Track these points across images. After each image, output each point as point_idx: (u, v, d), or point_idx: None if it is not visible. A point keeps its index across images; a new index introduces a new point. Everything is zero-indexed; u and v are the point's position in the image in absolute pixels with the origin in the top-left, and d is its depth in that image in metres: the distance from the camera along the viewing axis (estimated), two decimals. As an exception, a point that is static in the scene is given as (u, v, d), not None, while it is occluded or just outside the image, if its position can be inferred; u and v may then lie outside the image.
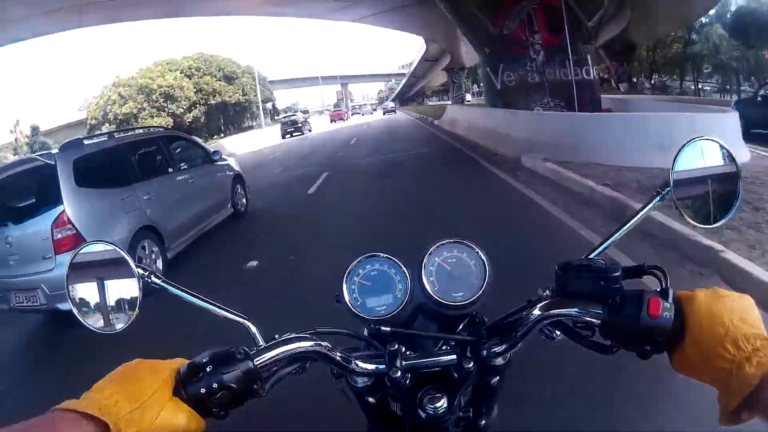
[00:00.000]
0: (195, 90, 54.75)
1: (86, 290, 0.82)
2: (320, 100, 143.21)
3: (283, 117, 51.62)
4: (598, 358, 0.78)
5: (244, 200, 9.31)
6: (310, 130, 43.59)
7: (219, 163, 8.44)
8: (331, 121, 62.65)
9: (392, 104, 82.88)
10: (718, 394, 0.60)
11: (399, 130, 28.17)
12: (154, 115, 51.11)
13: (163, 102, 52.48)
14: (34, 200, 5.25)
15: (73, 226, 4.80)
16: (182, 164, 7.38)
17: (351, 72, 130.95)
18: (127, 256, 0.80)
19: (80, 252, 0.83)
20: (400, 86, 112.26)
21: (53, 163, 5.03)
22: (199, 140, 8.88)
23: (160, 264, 5.92)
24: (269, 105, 77.82)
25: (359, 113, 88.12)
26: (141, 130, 7.06)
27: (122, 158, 6.05)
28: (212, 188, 7.99)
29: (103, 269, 0.81)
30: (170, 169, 6.97)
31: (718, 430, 0.62)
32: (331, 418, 2.64)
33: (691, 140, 0.84)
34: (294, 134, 40.83)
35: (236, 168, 9.25)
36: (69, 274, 0.82)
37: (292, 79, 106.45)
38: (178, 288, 0.82)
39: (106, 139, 6.21)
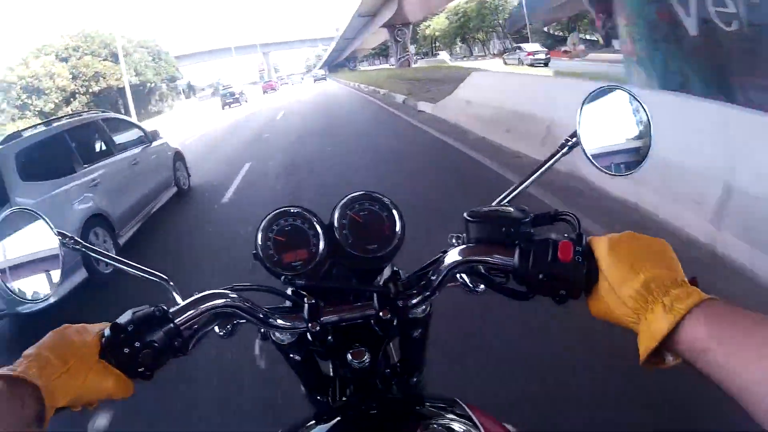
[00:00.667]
0: (71, 76, 46.43)
1: (10, 260, 0.81)
2: (241, 73, 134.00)
3: (223, 89, 55.71)
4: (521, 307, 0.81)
5: (186, 177, 9.25)
6: (246, 101, 46.33)
7: (158, 142, 8.30)
8: (264, 92, 62.65)
9: (322, 71, 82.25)
10: (638, 337, 0.59)
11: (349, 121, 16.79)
12: (15, 118, 41.96)
13: (26, 98, 43.90)
14: None
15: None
16: (123, 146, 7.22)
17: (272, 39, 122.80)
18: (45, 219, 0.81)
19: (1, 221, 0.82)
20: (329, 51, 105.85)
21: (-7, 159, 4.85)
22: (136, 120, 8.61)
23: (113, 252, 5.80)
24: (181, 83, 71.73)
25: (287, 83, 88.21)
26: (79, 116, 6.83)
27: (64, 146, 5.85)
28: (155, 168, 7.88)
29: (25, 236, 0.82)
30: (112, 153, 6.81)
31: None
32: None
33: (597, 89, 0.83)
34: (232, 105, 43.78)
35: (174, 146, 9.13)
36: None
37: (205, 51, 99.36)
38: (97, 251, 0.85)
39: (45, 128, 6.01)
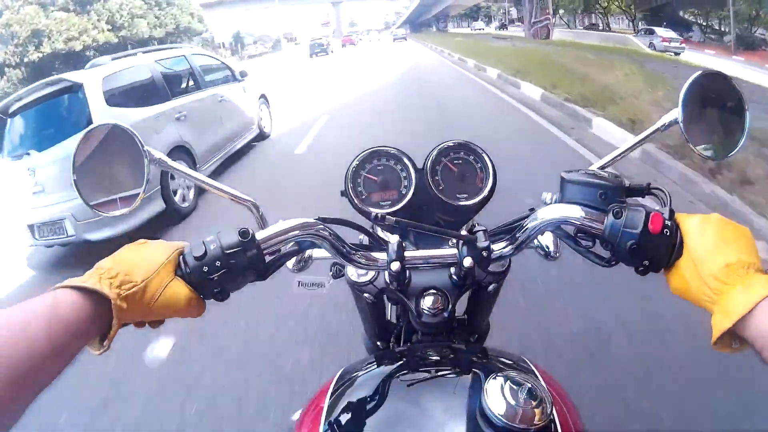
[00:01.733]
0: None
1: (95, 176, 0.81)
2: (298, 24, 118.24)
3: (311, 41, 57.96)
4: (591, 278, 0.85)
5: (269, 121, 9.15)
6: (332, 51, 50.90)
7: (245, 81, 8.17)
8: (342, 46, 65.29)
9: (402, 30, 79.55)
10: (712, 317, 0.60)
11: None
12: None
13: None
14: (60, 124, 4.90)
15: (105, 147, 4.61)
16: (210, 82, 7.14)
17: None
18: (135, 134, 0.78)
19: (87, 136, 0.80)
20: (411, 7, 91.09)
21: (81, 82, 4.82)
22: (223, 59, 8.54)
23: (192, 187, 5.78)
24: (206, 35, 57.78)
25: (361, 39, 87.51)
26: (168, 49, 6.78)
27: (151, 76, 5.80)
28: (239, 108, 7.78)
29: (110, 150, 0.80)
30: (199, 88, 6.74)
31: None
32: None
33: (700, 72, 0.82)
34: (319, 54, 48.21)
35: (261, 88, 9.00)
36: (76, 155, 0.80)
37: None
38: (186, 168, 0.83)
39: (134, 56, 5.97)
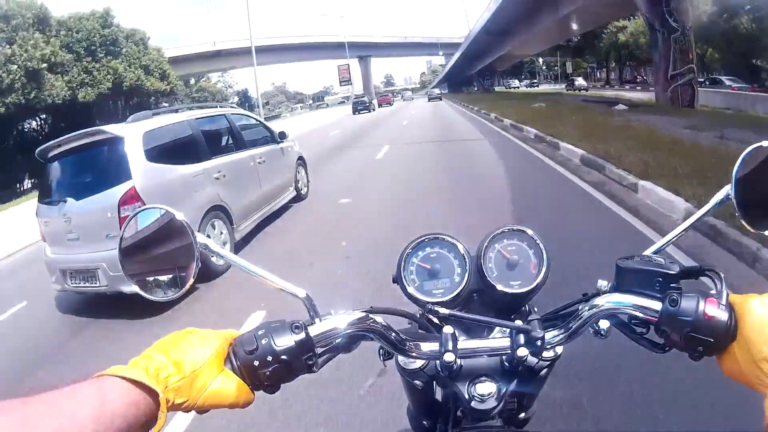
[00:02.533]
0: None
1: (140, 256, 0.79)
2: (322, 79, 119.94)
3: (355, 98, 58.77)
4: (639, 361, 1.04)
5: (306, 182, 9.02)
6: (375, 109, 51.90)
7: (284, 143, 8.11)
8: (379, 105, 62.10)
9: (437, 90, 73.17)
10: (765, 400, 0.57)
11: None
12: None
13: None
14: (98, 175, 4.89)
15: (142, 202, 4.43)
16: (250, 143, 7.06)
17: (372, 38, 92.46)
18: (185, 221, 0.77)
19: (136, 215, 0.79)
20: (452, 61, 77.22)
21: (122, 135, 4.71)
22: (262, 119, 8.54)
23: (228, 245, 5.60)
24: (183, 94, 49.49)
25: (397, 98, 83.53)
26: (209, 107, 6.78)
27: (192, 134, 5.71)
28: (278, 169, 7.67)
29: (158, 235, 0.78)
30: (239, 148, 6.64)
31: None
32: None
33: (754, 145, 0.80)
34: (362, 111, 48.27)
35: (299, 150, 8.95)
36: (123, 238, 0.78)
37: (269, 47, 68.60)
38: (236, 258, 0.80)
39: (175, 113, 5.93)
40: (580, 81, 55.92)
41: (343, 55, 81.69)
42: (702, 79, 33.72)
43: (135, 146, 4.71)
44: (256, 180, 6.75)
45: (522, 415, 0.93)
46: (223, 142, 6.59)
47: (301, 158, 8.89)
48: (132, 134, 4.79)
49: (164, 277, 0.79)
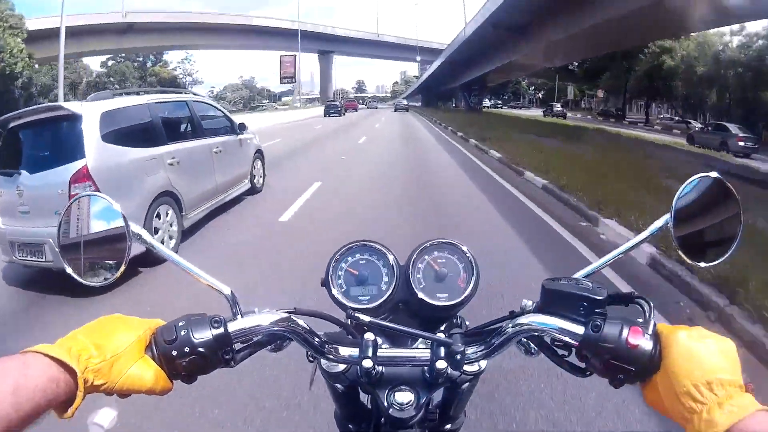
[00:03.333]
0: None
1: (76, 241, 0.82)
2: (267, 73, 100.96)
3: (328, 102, 57.51)
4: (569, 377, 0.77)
5: (261, 175, 9.13)
6: (344, 113, 52.43)
7: (243, 135, 8.19)
8: (345, 110, 59.25)
9: (405, 102, 68.92)
10: None
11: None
12: None
13: None
14: (53, 151, 4.91)
15: (93, 182, 4.51)
16: (208, 132, 7.12)
17: (335, 30, 79.82)
18: (121, 211, 0.79)
19: (76, 201, 0.82)
20: (431, 69, 66.33)
21: (80, 113, 4.74)
22: (224, 110, 8.59)
23: (175, 231, 5.68)
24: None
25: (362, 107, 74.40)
26: (170, 93, 6.80)
27: (150, 118, 5.75)
28: (235, 160, 7.76)
29: (96, 222, 0.81)
30: (197, 136, 6.71)
31: None
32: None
33: (696, 176, 0.82)
34: (332, 114, 48.80)
35: (258, 143, 9.03)
36: (62, 222, 0.82)
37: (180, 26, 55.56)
38: (165, 250, 0.83)
39: (137, 95, 5.95)
40: (558, 107, 55.78)
41: (304, 48, 69.74)
42: (701, 125, 33.31)
43: (92, 125, 4.75)
44: (211, 169, 6.82)
45: (448, 426, 0.94)
46: (181, 129, 6.63)
47: (259, 151, 8.99)
48: (90, 113, 4.82)
49: (98, 263, 0.82)
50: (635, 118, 51.30)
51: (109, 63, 63.18)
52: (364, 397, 0.96)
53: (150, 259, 4.93)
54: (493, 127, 24.85)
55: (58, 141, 4.94)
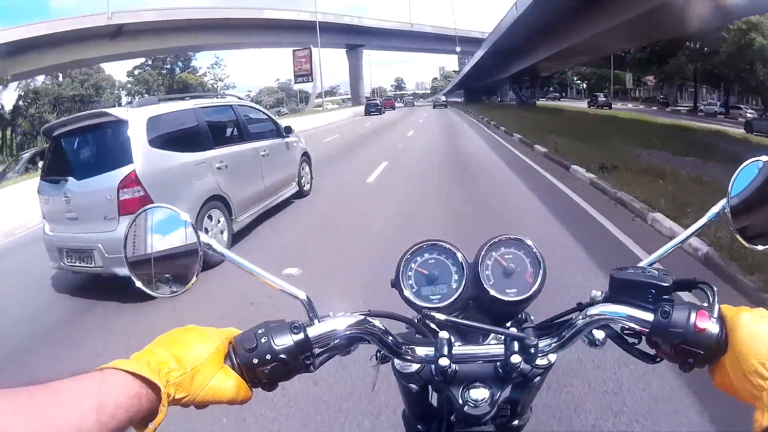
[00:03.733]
0: None
1: (145, 254, 0.80)
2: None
3: (368, 100, 57.08)
4: (632, 369, 1.11)
5: (309, 179, 9.04)
6: (384, 112, 51.33)
7: (289, 138, 8.11)
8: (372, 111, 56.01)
9: (444, 98, 67.21)
10: (755, 412, 0.59)
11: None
12: None
13: None
14: (100, 157, 4.93)
15: (142, 187, 4.48)
16: (255, 136, 7.07)
17: (362, 20, 70.30)
18: (190, 221, 0.79)
19: (141, 214, 0.80)
20: (473, 60, 57.75)
21: (126, 119, 4.71)
22: (270, 114, 8.55)
23: (225, 236, 5.63)
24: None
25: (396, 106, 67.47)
26: (216, 98, 6.77)
27: (196, 122, 5.71)
28: (282, 163, 7.68)
29: (163, 233, 0.80)
30: (243, 140, 6.65)
31: None
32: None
33: (752, 160, 0.81)
34: (373, 113, 48.73)
35: (305, 146, 8.96)
36: (128, 235, 0.80)
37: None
38: (238, 258, 0.82)
39: (182, 101, 5.93)
40: (602, 98, 51.88)
41: (330, 42, 60.87)
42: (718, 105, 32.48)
43: (138, 130, 4.72)
44: (259, 173, 6.75)
45: (516, 422, 0.94)
46: (228, 133, 6.59)
47: (305, 154, 8.89)
48: (136, 118, 4.79)
49: (167, 275, 0.81)
50: (682, 106, 49.00)
51: (136, 72, 62.85)
52: (432, 397, 0.95)
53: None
54: (574, 131, 16.87)
55: (105, 147, 4.93)
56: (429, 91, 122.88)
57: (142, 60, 59.03)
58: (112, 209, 4.43)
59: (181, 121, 5.54)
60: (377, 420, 2.61)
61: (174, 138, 5.27)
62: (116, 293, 4.51)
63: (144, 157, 4.64)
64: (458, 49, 72.54)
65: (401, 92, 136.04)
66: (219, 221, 5.52)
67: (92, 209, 4.56)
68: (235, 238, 5.97)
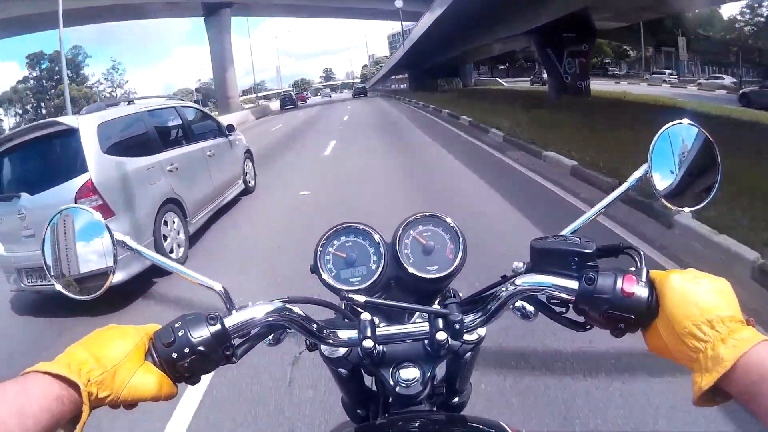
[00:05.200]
0: None
1: (63, 256, 0.82)
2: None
3: (283, 93, 56.47)
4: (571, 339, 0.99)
5: (253, 175, 9.07)
6: (298, 106, 51.97)
7: (232, 137, 8.08)
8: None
9: (362, 85, 66.05)
10: (693, 374, 0.60)
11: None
12: None
13: None
14: (53, 168, 4.70)
15: (99, 195, 4.40)
16: (200, 136, 7.01)
17: None
18: (103, 220, 0.81)
19: (56, 217, 0.82)
20: (425, 24, 29.71)
21: (76, 126, 4.59)
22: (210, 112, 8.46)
23: (182, 238, 5.60)
24: None
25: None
26: (159, 99, 6.69)
27: (145, 126, 5.63)
28: (227, 162, 7.65)
29: (79, 234, 0.82)
30: (190, 141, 6.60)
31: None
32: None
33: (671, 123, 0.83)
34: (288, 107, 48.99)
35: (246, 143, 8.96)
36: (45, 239, 0.82)
37: None
38: (152, 253, 0.84)
39: (127, 105, 5.82)
40: (545, 75, 37.88)
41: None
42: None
43: (90, 137, 4.61)
44: (207, 173, 6.73)
45: (455, 399, 0.96)
46: (174, 135, 6.51)
47: (248, 151, 8.90)
48: (87, 125, 4.68)
49: (86, 276, 0.82)
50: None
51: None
52: (368, 381, 0.96)
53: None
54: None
55: (57, 158, 4.76)
56: (359, 80, 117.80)
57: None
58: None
59: (131, 126, 5.45)
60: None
61: (125, 143, 5.19)
62: (83, 308, 4.42)
63: (98, 164, 4.55)
64: (399, 3, 44.51)
65: (331, 83, 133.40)
66: (174, 222, 5.47)
67: None
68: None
